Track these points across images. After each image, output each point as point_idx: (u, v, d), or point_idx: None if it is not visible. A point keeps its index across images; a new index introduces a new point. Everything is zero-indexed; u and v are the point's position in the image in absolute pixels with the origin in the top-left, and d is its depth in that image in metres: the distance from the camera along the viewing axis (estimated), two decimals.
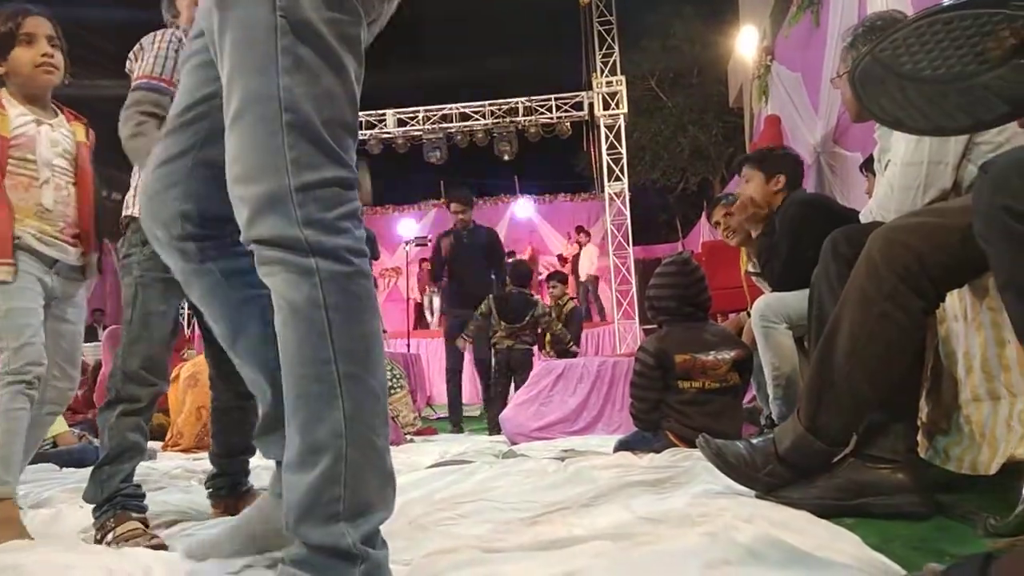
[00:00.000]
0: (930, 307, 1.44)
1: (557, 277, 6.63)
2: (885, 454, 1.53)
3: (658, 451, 2.44)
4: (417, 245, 9.36)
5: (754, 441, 1.66)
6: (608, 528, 1.39)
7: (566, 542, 1.29)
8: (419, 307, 12.46)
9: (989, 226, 1.04)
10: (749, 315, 2.85)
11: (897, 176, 1.82)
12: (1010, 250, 1.02)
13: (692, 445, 2.48)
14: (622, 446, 2.64)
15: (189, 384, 4.02)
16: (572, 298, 7.01)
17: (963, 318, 1.53)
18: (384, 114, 12.19)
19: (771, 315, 2.70)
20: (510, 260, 7.11)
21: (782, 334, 2.69)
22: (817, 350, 1.57)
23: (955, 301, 1.56)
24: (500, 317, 5.01)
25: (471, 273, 5.48)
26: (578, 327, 6.39)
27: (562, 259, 12.79)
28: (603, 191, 12.10)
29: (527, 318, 5.02)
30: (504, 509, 1.70)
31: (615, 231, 11.98)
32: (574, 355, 5.38)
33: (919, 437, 1.63)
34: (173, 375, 4.15)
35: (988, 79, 0.69)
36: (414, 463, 2.69)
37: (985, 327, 1.45)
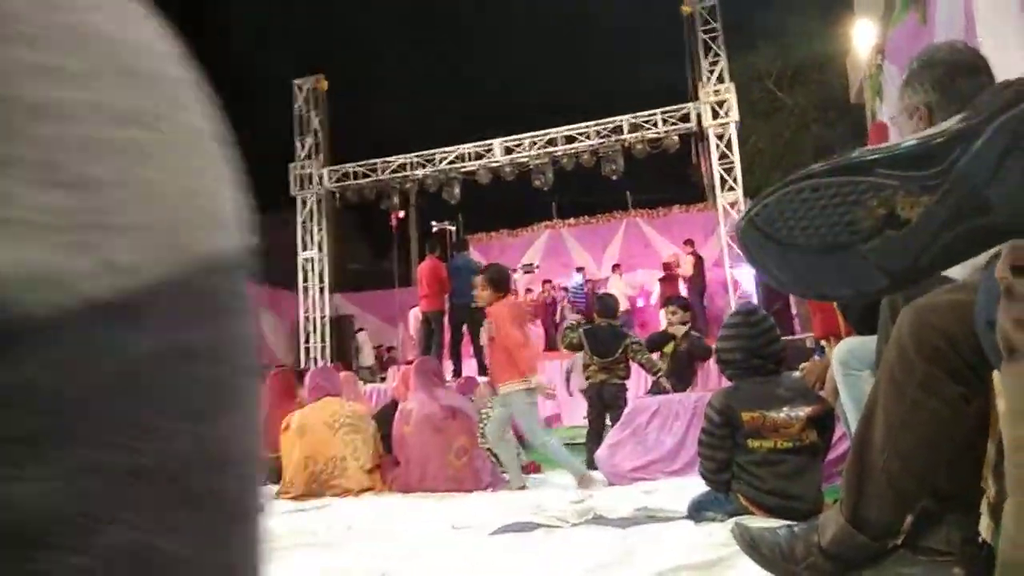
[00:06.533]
0: (971, 392, 1.29)
1: (677, 303, 5.64)
2: (939, 546, 1.40)
3: (730, 514, 2.34)
4: (525, 272, 9.44)
5: (795, 528, 1.56)
6: None
7: None
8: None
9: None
10: None
11: None
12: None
13: (765, 509, 2.36)
14: (695, 507, 2.53)
15: (298, 434, 4.24)
16: (688, 325, 5.55)
17: None
18: (491, 144, 12.42)
19: (853, 361, 2.50)
20: (598, 294, 6.56)
21: (866, 382, 2.49)
22: (855, 435, 1.45)
23: None
24: (592, 351, 4.90)
25: None
26: (689, 359, 5.27)
27: (667, 267, 12.00)
28: (716, 203, 11.69)
29: (618, 352, 4.87)
30: None
31: (731, 244, 11.54)
32: (662, 388, 4.83)
33: (985, 519, 1.47)
34: (284, 424, 4.37)
35: (864, 250, 0.63)
36: (485, 523, 2.71)
37: None
